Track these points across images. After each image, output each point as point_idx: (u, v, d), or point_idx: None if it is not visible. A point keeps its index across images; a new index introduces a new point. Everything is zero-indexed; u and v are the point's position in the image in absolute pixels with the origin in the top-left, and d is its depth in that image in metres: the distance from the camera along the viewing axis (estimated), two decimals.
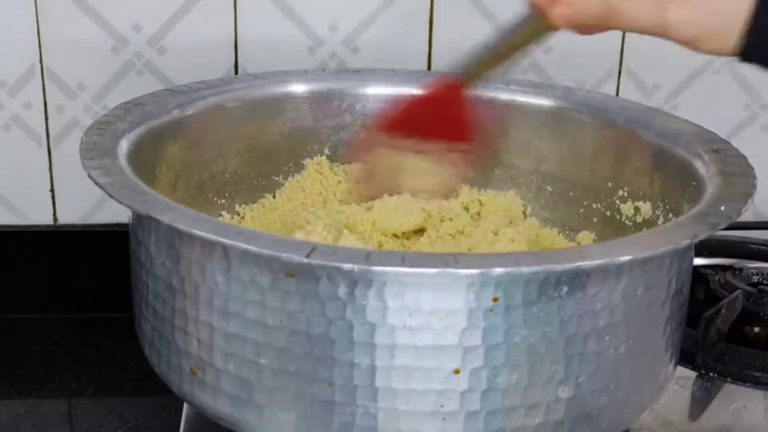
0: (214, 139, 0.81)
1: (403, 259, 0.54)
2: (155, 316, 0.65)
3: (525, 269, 0.54)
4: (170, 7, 0.91)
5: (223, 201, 0.83)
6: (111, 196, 0.60)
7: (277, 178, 0.86)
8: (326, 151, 0.87)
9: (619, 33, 0.96)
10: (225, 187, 0.83)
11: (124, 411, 0.81)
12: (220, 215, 0.82)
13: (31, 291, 0.94)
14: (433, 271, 0.53)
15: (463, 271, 0.53)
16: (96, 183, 0.62)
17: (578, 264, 0.55)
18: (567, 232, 0.84)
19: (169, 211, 0.58)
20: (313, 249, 0.54)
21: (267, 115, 0.84)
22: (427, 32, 0.94)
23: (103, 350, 0.89)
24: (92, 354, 0.89)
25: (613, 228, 0.80)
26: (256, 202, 0.85)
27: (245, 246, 0.55)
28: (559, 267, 0.55)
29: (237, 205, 0.84)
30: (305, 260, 0.53)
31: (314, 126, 0.86)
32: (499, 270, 0.53)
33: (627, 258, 0.56)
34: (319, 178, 0.86)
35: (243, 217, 0.84)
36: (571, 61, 0.96)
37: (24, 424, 0.79)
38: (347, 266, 0.53)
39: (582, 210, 0.83)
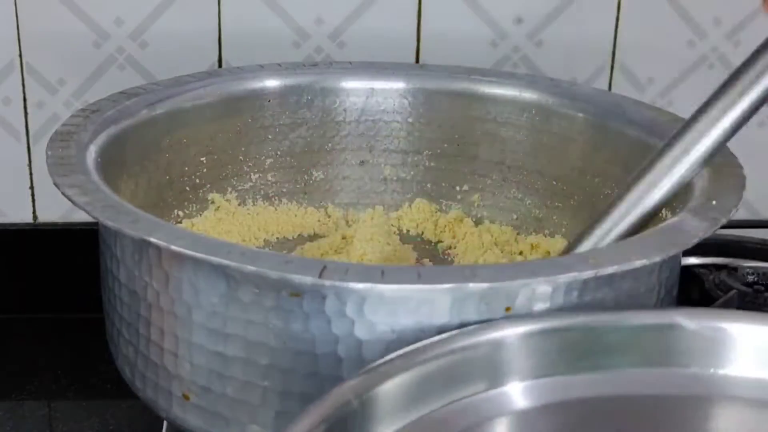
0: (181, 138, 0.79)
1: (419, 275, 0.52)
2: (139, 338, 0.62)
3: (542, 279, 0.53)
4: (152, 1, 0.90)
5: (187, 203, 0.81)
6: (94, 218, 0.57)
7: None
8: (297, 149, 0.85)
9: (611, 26, 0.95)
10: (190, 190, 0.81)
11: (106, 413, 0.80)
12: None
13: (10, 290, 0.93)
14: (448, 286, 0.52)
15: (474, 285, 0.52)
16: (74, 203, 0.59)
17: (576, 273, 0.54)
18: (560, 229, 0.83)
19: (161, 231, 0.56)
20: (323, 268, 0.52)
21: (244, 111, 0.83)
22: (416, 26, 0.93)
23: (83, 351, 0.88)
24: (73, 355, 0.88)
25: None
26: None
27: (251, 268, 0.52)
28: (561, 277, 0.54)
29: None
30: (318, 281, 0.51)
31: (288, 123, 0.85)
32: (516, 282, 0.53)
33: (642, 262, 0.55)
34: None
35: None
36: (562, 55, 0.95)
37: (3, 426, 0.78)
38: (360, 286, 0.52)
39: (571, 204, 0.82)
